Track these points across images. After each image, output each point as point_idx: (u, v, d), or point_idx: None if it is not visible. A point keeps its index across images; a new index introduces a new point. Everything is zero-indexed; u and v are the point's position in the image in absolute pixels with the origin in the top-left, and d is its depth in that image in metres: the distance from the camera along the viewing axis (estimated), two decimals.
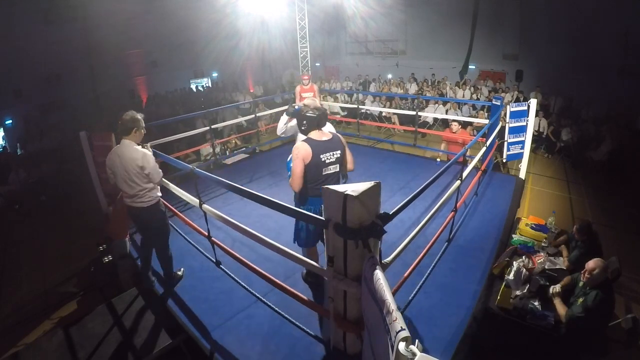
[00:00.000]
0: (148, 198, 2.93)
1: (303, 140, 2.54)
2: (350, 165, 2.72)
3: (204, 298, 3.03)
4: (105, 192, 4.26)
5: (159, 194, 3.06)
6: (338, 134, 2.66)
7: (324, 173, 2.52)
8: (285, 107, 3.44)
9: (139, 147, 2.88)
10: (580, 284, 2.77)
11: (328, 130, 2.88)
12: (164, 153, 3.61)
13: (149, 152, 2.90)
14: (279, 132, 3.47)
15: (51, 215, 6.72)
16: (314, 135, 2.54)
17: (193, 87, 14.04)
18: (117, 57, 11.25)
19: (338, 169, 2.60)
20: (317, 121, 2.54)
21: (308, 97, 6.30)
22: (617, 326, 3.11)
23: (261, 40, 12.97)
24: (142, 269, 3.26)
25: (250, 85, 14.95)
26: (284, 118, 3.31)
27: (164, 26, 11.62)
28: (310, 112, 2.53)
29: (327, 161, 2.51)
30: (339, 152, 2.55)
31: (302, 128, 2.59)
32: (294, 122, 3.10)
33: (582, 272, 2.70)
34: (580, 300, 2.64)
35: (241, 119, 7.66)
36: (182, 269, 3.38)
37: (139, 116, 2.93)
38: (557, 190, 6.69)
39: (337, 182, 2.57)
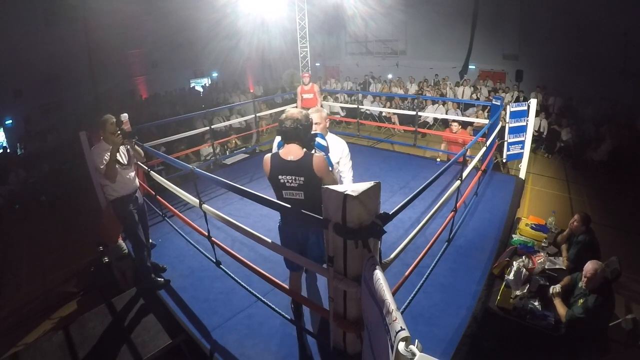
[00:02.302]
0: (106, 192, 3.11)
1: (272, 153, 2.28)
2: None
3: (204, 298, 3.03)
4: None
5: (116, 194, 3.08)
6: (319, 157, 2.14)
7: (284, 196, 2.22)
8: (284, 108, 3.18)
9: (107, 146, 2.97)
10: (580, 284, 2.77)
11: (329, 142, 2.49)
12: (163, 153, 3.62)
13: (97, 149, 2.98)
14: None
15: (51, 215, 6.73)
16: (283, 150, 2.20)
17: (199, 87, 14.00)
18: (117, 57, 11.27)
19: (304, 197, 2.17)
20: (283, 135, 2.19)
21: (308, 98, 6.39)
22: (617, 326, 3.11)
23: (261, 40, 12.97)
24: (140, 269, 3.26)
25: (250, 85, 14.95)
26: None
27: (164, 26, 11.63)
28: (287, 122, 2.16)
29: (287, 184, 2.17)
30: (301, 178, 2.13)
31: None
32: None
33: (583, 274, 2.68)
34: (581, 301, 2.64)
35: (241, 119, 7.66)
36: (164, 279, 3.27)
37: (112, 120, 3.00)
38: (557, 190, 6.69)
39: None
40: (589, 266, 2.61)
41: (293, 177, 2.14)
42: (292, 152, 2.16)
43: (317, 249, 2.34)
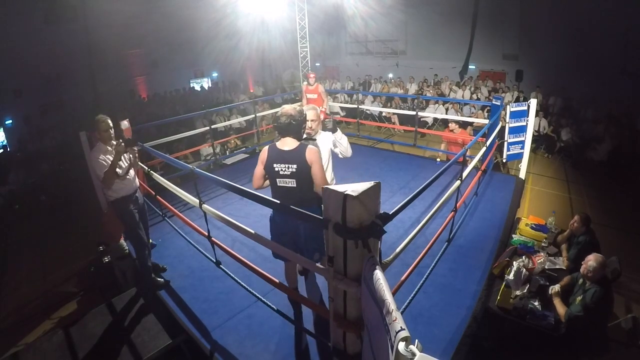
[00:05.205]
0: (106, 193, 3.08)
1: (270, 144, 2.47)
2: (318, 187, 2.33)
3: (204, 298, 3.04)
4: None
5: (116, 195, 3.05)
6: (312, 149, 2.34)
7: (278, 184, 2.40)
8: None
9: (104, 147, 2.96)
10: (580, 281, 2.78)
11: (322, 138, 2.84)
12: (163, 153, 3.62)
13: (95, 153, 2.94)
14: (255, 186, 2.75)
15: (51, 215, 6.72)
16: (279, 142, 2.41)
17: (197, 87, 13.98)
18: (117, 57, 11.25)
19: (295, 185, 2.35)
20: (278, 129, 2.37)
21: (312, 99, 6.38)
22: (617, 326, 3.11)
23: (261, 40, 12.96)
24: (140, 269, 3.26)
25: (250, 85, 14.95)
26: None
27: (164, 26, 11.61)
28: (282, 118, 2.36)
29: (281, 172, 2.35)
30: (294, 166, 2.31)
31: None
32: None
33: (582, 268, 2.70)
34: (579, 298, 2.65)
35: (241, 119, 7.66)
36: (164, 280, 3.28)
37: (103, 118, 2.96)
38: (557, 190, 6.69)
39: (296, 200, 2.21)
40: (590, 257, 2.65)
41: (286, 165, 2.34)
42: (287, 143, 2.38)
43: (313, 242, 2.39)
